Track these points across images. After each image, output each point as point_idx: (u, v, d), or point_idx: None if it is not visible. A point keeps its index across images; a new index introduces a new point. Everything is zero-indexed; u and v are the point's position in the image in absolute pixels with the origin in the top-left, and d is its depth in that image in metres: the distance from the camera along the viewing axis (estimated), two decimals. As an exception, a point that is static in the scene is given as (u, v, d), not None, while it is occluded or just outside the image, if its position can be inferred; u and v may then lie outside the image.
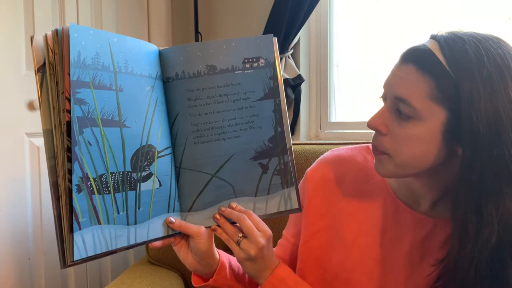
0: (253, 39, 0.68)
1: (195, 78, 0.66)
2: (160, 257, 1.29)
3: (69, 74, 0.55)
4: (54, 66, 0.57)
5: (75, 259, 0.56)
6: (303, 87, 1.70)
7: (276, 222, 1.12)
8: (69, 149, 0.56)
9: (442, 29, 0.63)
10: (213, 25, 1.98)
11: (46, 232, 1.57)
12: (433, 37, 0.62)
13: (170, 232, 0.68)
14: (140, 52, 0.65)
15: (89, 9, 1.68)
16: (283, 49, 1.61)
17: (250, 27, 1.85)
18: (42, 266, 1.57)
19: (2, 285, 1.45)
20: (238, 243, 0.67)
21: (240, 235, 0.67)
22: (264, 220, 0.70)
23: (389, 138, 0.63)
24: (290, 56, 1.64)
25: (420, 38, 0.66)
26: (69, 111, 0.56)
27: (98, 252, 0.59)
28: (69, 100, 0.56)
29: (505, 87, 0.56)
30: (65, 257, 0.56)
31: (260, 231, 0.67)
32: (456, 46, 0.58)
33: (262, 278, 0.70)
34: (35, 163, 1.53)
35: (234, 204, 0.69)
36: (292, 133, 1.71)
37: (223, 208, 0.68)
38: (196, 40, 1.87)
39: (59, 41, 0.57)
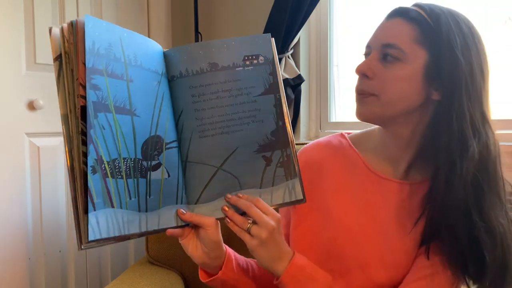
0: (252, 38, 0.71)
1: (198, 76, 0.69)
2: (160, 257, 1.29)
3: (84, 63, 0.58)
4: (69, 55, 0.59)
5: (89, 239, 0.57)
6: (303, 87, 1.69)
7: None
8: (83, 133, 0.58)
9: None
10: (213, 25, 1.98)
11: (46, 232, 1.58)
12: (414, 5, 0.72)
13: (180, 224, 0.69)
14: (147, 49, 0.67)
15: (89, 9, 1.68)
16: (283, 49, 1.61)
17: (250, 27, 1.85)
18: (42, 266, 1.57)
19: (2, 285, 1.45)
20: (248, 231, 0.68)
21: (250, 221, 0.68)
22: None
23: (375, 81, 0.70)
24: (290, 56, 1.64)
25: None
26: (83, 97, 0.58)
27: (112, 235, 0.60)
28: (83, 87, 0.58)
29: (474, 42, 0.69)
30: (81, 238, 0.58)
31: (269, 215, 0.68)
32: (433, 6, 0.70)
33: (279, 267, 0.70)
34: (35, 163, 1.53)
35: (240, 194, 0.70)
36: (292, 133, 1.71)
37: (229, 196, 0.70)
38: (196, 40, 1.87)
39: (74, 32, 0.59)
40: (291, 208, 0.81)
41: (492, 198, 0.68)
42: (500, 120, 1.35)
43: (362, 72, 0.71)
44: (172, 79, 0.69)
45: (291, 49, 1.63)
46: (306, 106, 1.75)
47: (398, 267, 0.74)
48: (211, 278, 0.74)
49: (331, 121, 1.72)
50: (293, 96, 1.65)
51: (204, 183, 0.70)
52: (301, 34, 1.66)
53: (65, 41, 0.59)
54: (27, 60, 1.50)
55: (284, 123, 0.71)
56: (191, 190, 0.70)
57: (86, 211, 0.57)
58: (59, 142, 1.61)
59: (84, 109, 0.58)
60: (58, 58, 0.60)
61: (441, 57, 0.67)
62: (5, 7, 1.43)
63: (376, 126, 0.80)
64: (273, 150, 0.71)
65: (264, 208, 0.69)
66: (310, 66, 1.75)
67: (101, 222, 0.58)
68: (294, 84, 1.63)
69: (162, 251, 1.28)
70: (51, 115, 1.57)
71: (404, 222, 0.75)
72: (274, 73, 0.70)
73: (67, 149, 0.60)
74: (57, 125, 1.58)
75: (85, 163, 0.57)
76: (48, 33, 0.60)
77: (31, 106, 1.51)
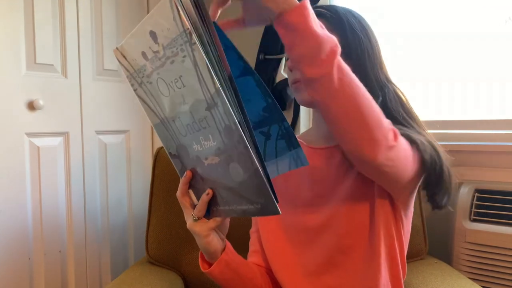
0: None
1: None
2: (160, 257, 1.29)
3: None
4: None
5: None
6: (303, 87, 1.69)
7: (241, 225, 1.12)
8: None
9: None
10: (213, 25, 1.98)
11: (46, 232, 1.57)
12: (315, 7, 0.82)
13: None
14: None
15: (89, 9, 1.68)
16: (283, 49, 1.61)
17: (250, 28, 1.85)
18: (42, 266, 1.57)
19: (2, 285, 1.45)
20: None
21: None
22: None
23: None
24: (290, 56, 1.64)
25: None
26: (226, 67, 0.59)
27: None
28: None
29: (363, 23, 0.83)
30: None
31: None
32: (329, 6, 0.84)
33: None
34: (35, 163, 1.53)
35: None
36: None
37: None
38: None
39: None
40: None
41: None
42: (501, 120, 1.35)
43: (290, 67, 0.81)
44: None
45: (291, 49, 1.63)
46: (306, 106, 1.74)
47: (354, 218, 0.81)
48: (217, 261, 0.75)
49: (331, 121, 1.72)
50: (293, 96, 1.65)
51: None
52: (301, 34, 1.66)
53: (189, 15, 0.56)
54: (27, 60, 1.50)
55: (273, 100, 0.71)
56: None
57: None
58: (59, 142, 1.61)
59: (231, 77, 0.58)
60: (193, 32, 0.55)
61: (348, 37, 0.79)
62: (4, 7, 1.43)
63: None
64: (270, 124, 0.72)
65: None
66: (310, 66, 1.75)
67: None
68: (294, 84, 1.63)
69: (162, 251, 1.28)
70: (51, 115, 1.57)
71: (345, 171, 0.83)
72: (241, 58, 0.71)
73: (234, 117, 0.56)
74: (57, 125, 1.59)
75: (251, 132, 0.58)
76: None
77: (31, 106, 1.51)
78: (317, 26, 0.60)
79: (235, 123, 0.56)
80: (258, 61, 1.67)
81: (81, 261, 1.69)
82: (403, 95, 0.84)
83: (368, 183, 0.78)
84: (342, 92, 0.60)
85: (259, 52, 1.66)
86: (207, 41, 0.57)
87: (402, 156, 0.69)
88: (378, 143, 0.63)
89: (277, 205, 0.58)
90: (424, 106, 1.55)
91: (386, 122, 0.65)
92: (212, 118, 0.59)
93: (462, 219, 1.30)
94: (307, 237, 0.85)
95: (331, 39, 0.60)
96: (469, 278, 1.15)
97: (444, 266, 1.23)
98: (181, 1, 0.56)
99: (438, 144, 0.78)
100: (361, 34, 0.81)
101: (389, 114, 0.76)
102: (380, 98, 0.78)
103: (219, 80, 0.56)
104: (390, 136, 0.65)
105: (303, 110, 1.72)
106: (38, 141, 1.54)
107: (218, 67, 0.58)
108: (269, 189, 0.58)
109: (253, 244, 0.94)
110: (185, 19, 0.55)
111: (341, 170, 0.82)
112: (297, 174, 0.86)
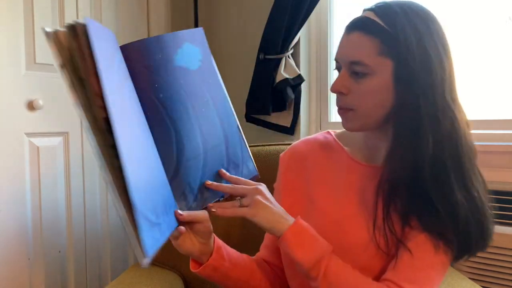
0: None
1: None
2: (160, 257, 1.29)
3: (95, 71, 0.52)
4: (74, 63, 0.53)
5: (149, 254, 0.56)
6: (303, 87, 1.69)
7: (242, 225, 1.12)
8: (113, 146, 0.52)
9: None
10: (213, 26, 1.98)
11: (46, 232, 1.57)
12: (366, 9, 0.75)
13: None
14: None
15: (89, 8, 1.68)
16: (283, 49, 1.61)
17: (250, 27, 1.85)
18: (42, 266, 1.57)
19: (2, 285, 1.45)
20: (242, 205, 0.71)
21: (238, 198, 0.72)
22: None
23: (351, 96, 0.74)
24: (290, 56, 1.64)
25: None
26: (103, 108, 0.52)
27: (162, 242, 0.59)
28: (100, 96, 0.52)
29: (431, 36, 0.71)
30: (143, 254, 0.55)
31: (252, 185, 0.73)
32: (387, 10, 0.72)
33: (283, 226, 0.72)
34: (35, 163, 1.53)
35: (222, 171, 0.75)
36: (292, 133, 1.71)
37: (209, 182, 0.73)
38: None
39: (74, 36, 0.53)
40: (281, 197, 0.86)
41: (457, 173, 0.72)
42: (501, 120, 1.35)
43: (337, 91, 0.75)
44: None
45: (291, 49, 1.63)
46: (306, 106, 1.75)
47: (379, 250, 0.75)
48: (203, 266, 0.75)
49: (331, 121, 1.72)
50: (293, 96, 1.65)
51: None
52: (301, 34, 1.66)
53: (64, 47, 0.52)
54: (27, 60, 1.50)
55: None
56: None
57: (135, 228, 0.53)
58: (58, 142, 1.61)
59: (107, 120, 0.52)
60: (64, 66, 0.53)
61: (402, 62, 0.71)
62: (4, 7, 1.43)
63: None
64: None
65: (245, 182, 0.74)
66: (310, 66, 1.75)
67: (147, 235, 0.55)
68: (294, 84, 1.63)
69: (162, 251, 1.28)
70: (51, 115, 1.57)
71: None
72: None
73: (99, 166, 0.53)
74: (57, 125, 1.59)
75: (123, 178, 0.52)
76: (45, 36, 0.52)
77: (31, 106, 1.51)
78: (305, 249, 0.70)
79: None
80: (258, 61, 1.67)
81: (81, 261, 1.69)
82: (468, 129, 0.75)
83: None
84: None
85: (259, 52, 1.66)
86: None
87: None
88: None
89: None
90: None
91: None
92: None
93: (462, 219, 1.30)
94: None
95: (317, 254, 0.70)
96: (469, 278, 1.15)
97: (444, 266, 1.23)
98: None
99: (487, 197, 0.75)
100: (422, 57, 0.70)
101: (441, 155, 0.71)
102: (436, 134, 0.71)
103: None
104: None
105: (303, 110, 1.72)
106: (38, 141, 1.54)
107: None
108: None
109: (266, 238, 0.92)
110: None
111: (379, 192, 0.76)
112: (338, 187, 0.82)
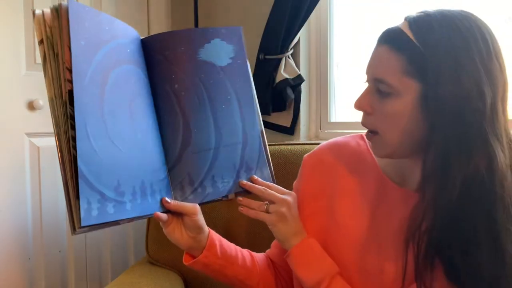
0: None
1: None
2: (160, 257, 1.29)
3: (69, 47, 0.58)
4: (52, 39, 0.60)
5: (82, 225, 0.57)
6: (303, 87, 1.69)
7: (241, 225, 1.11)
8: (72, 117, 0.58)
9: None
10: (213, 25, 1.98)
11: (46, 233, 1.57)
12: (405, 18, 0.66)
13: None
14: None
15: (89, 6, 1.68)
16: (283, 49, 1.61)
17: (250, 26, 1.85)
18: (42, 266, 1.57)
19: (2, 285, 1.45)
20: (267, 211, 0.72)
21: (266, 202, 0.73)
22: None
23: (375, 116, 0.67)
24: (290, 56, 1.64)
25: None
26: (70, 81, 0.58)
27: (102, 221, 0.60)
28: (69, 71, 0.58)
29: (470, 56, 0.60)
30: (74, 223, 0.58)
31: (284, 194, 0.74)
32: (423, 22, 0.62)
33: (292, 241, 0.74)
34: (35, 163, 1.53)
35: (254, 177, 0.75)
36: (292, 133, 1.71)
37: (244, 182, 0.74)
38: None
39: (58, 16, 0.60)
40: (299, 204, 0.79)
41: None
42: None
43: (361, 109, 0.69)
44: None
45: (291, 49, 1.63)
46: (306, 106, 1.74)
47: (396, 279, 0.69)
48: (193, 261, 0.75)
49: (331, 121, 1.72)
50: (293, 96, 1.65)
51: None
52: (301, 34, 1.66)
53: (46, 26, 0.60)
54: (27, 60, 1.50)
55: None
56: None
57: (77, 196, 0.57)
58: (59, 142, 1.61)
59: (71, 93, 0.58)
60: (42, 42, 0.60)
61: (431, 87, 0.61)
62: (4, 7, 1.43)
63: None
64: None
65: (277, 189, 0.74)
66: (310, 66, 1.75)
67: (93, 207, 0.58)
68: (294, 84, 1.63)
69: (162, 251, 1.28)
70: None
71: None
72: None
73: (55, 133, 0.60)
74: (57, 125, 1.59)
75: (74, 147, 0.58)
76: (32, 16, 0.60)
77: (31, 106, 1.51)
78: (308, 269, 0.73)
79: None
80: (258, 61, 1.67)
81: (81, 261, 1.69)
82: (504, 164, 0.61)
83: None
84: None
85: (259, 52, 1.66)
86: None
87: None
88: None
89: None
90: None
91: None
92: None
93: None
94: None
95: (318, 276, 0.72)
96: None
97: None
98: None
99: None
100: (455, 83, 0.59)
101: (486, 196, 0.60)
102: (465, 175, 0.60)
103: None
104: None
105: (303, 110, 1.72)
106: (38, 141, 1.54)
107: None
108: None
109: None
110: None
111: (415, 236, 0.66)
112: (363, 205, 0.76)
